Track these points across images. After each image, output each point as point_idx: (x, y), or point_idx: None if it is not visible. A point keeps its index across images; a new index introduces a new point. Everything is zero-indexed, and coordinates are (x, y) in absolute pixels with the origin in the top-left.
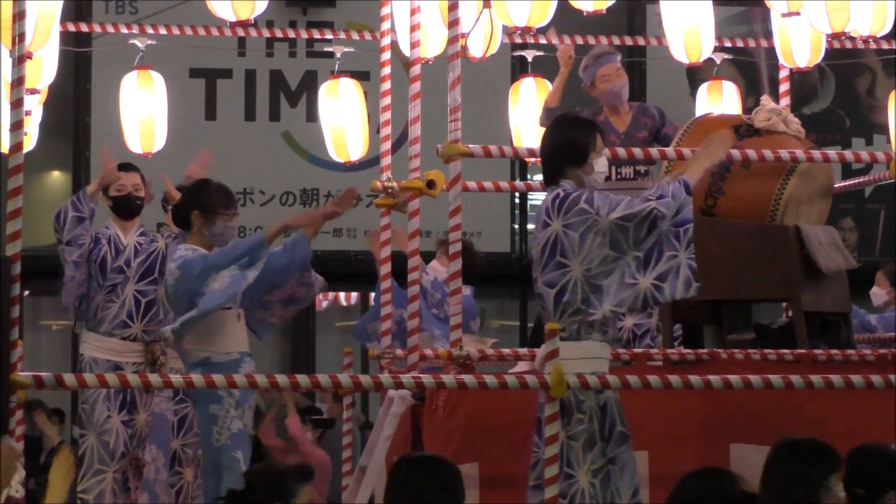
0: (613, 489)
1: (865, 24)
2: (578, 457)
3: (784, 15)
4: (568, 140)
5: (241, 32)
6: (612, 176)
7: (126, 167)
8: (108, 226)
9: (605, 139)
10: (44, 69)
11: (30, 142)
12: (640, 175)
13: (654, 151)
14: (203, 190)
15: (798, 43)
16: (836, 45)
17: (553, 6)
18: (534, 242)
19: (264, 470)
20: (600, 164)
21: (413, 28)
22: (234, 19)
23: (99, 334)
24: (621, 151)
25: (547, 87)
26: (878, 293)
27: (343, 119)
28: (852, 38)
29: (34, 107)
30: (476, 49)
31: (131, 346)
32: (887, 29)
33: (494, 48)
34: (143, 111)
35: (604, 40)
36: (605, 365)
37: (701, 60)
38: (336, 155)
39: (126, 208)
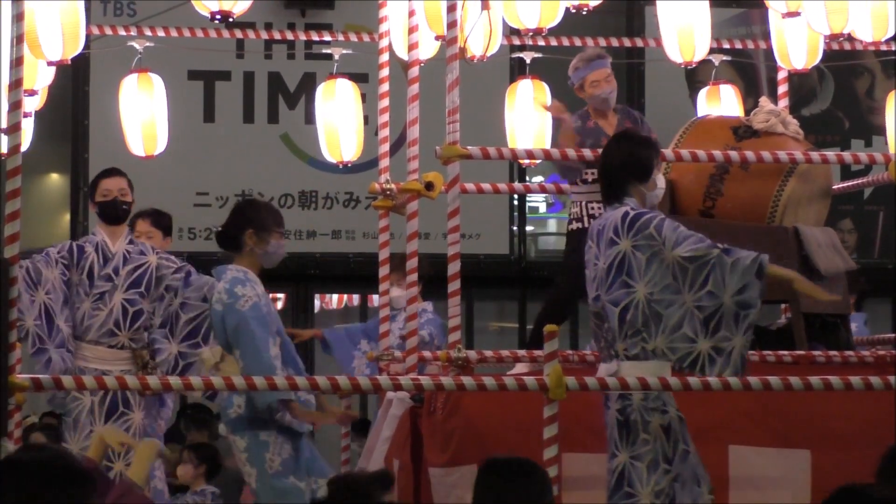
0: None
1: (867, 30)
2: (642, 477)
3: (785, 15)
4: (633, 157)
5: (239, 34)
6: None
7: (112, 172)
8: (94, 233)
9: (598, 144)
10: (40, 71)
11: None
12: None
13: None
14: (254, 209)
15: (795, 44)
16: (835, 46)
17: (562, 7)
18: (592, 259)
19: (346, 478)
20: (660, 180)
21: (411, 30)
22: (216, 9)
23: (86, 343)
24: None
25: (544, 88)
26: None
27: (338, 120)
28: (851, 40)
29: (33, 108)
30: (475, 50)
31: (119, 353)
32: (889, 34)
33: (494, 48)
34: (143, 114)
35: (602, 42)
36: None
37: (695, 61)
38: (329, 155)
39: (112, 213)
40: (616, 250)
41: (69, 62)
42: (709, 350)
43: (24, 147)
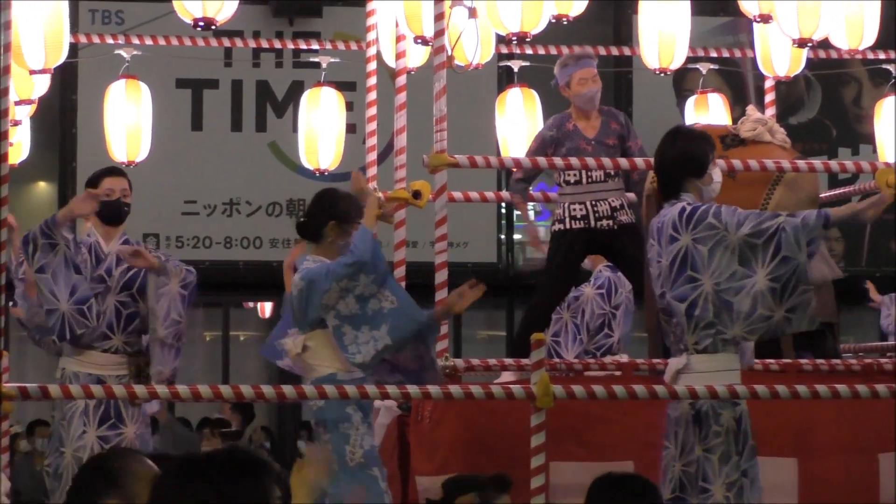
0: (746, 503)
1: (842, 37)
2: (714, 470)
3: (756, 18)
4: (688, 153)
5: (227, 43)
6: (582, 179)
7: (113, 171)
8: (89, 234)
9: (576, 147)
10: (36, 81)
11: (20, 152)
12: (610, 177)
13: (639, 161)
14: (336, 200)
15: (778, 51)
16: (822, 54)
17: (547, 12)
18: (654, 256)
19: (463, 479)
20: (717, 174)
21: (398, 38)
22: (199, 15)
23: (78, 347)
24: (607, 162)
25: (533, 97)
26: None
27: (319, 127)
28: (837, 49)
29: (25, 117)
30: (465, 59)
31: (113, 358)
32: (867, 41)
33: (487, 57)
34: (129, 119)
35: (590, 50)
36: (737, 376)
37: (671, 68)
38: (307, 162)
39: (114, 214)
40: (677, 246)
41: (52, 71)
42: (783, 315)
43: (24, 156)
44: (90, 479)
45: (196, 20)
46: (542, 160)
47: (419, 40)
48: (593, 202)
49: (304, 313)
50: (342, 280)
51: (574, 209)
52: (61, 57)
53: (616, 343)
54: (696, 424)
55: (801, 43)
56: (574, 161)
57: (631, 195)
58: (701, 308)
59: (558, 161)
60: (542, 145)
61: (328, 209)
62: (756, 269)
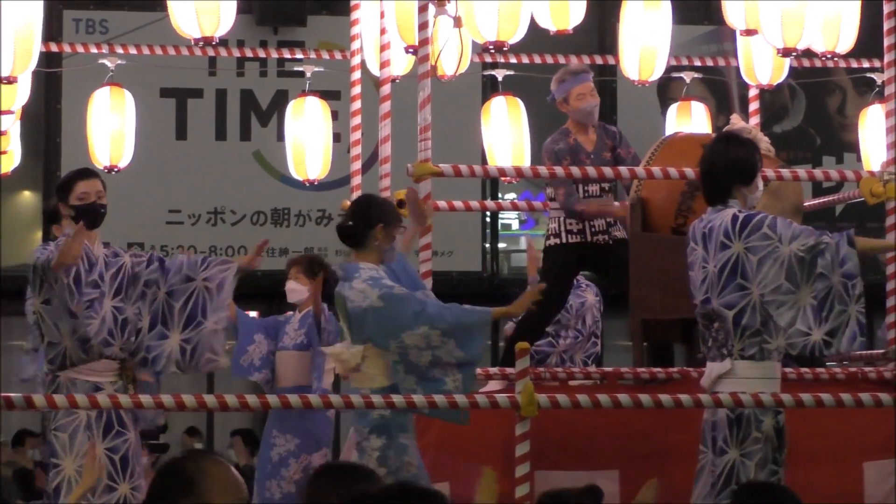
0: None
1: (820, 38)
2: (750, 475)
3: (743, 33)
4: (738, 159)
5: (211, 52)
6: (578, 194)
7: (86, 174)
8: (66, 234)
9: (577, 161)
10: (18, 90)
11: (12, 161)
12: (605, 192)
13: (623, 170)
14: (380, 206)
15: (761, 60)
16: (806, 63)
17: (525, 21)
18: (698, 261)
19: (558, 493)
20: (761, 182)
21: (383, 47)
22: (198, 35)
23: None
24: (607, 171)
25: (518, 105)
26: (297, 289)
27: (306, 137)
28: (821, 58)
29: (10, 126)
30: (447, 68)
31: (110, 364)
32: (845, 45)
33: (465, 66)
34: (112, 126)
35: (574, 59)
36: (778, 385)
37: (651, 80)
38: (296, 173)
39: (90, 217)
40: (728, 253)
41: (17, 80)
42: (822, 337)
43: (16, 163)
44: (167, 483)
45: (195, 41)
46: (542, 169)
47: (410, 50)
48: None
49: (369, 332)
50: (433, 328)
51: (570, 223)
52: (30, 66)
53: (599, 351)
54: (736, 427)
55: (786, 52)
56: (575, 171)
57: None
58: (749, 316)
59: (559, 170)
60: (556, 157)
61: (376, 213)
62: (801, 286)
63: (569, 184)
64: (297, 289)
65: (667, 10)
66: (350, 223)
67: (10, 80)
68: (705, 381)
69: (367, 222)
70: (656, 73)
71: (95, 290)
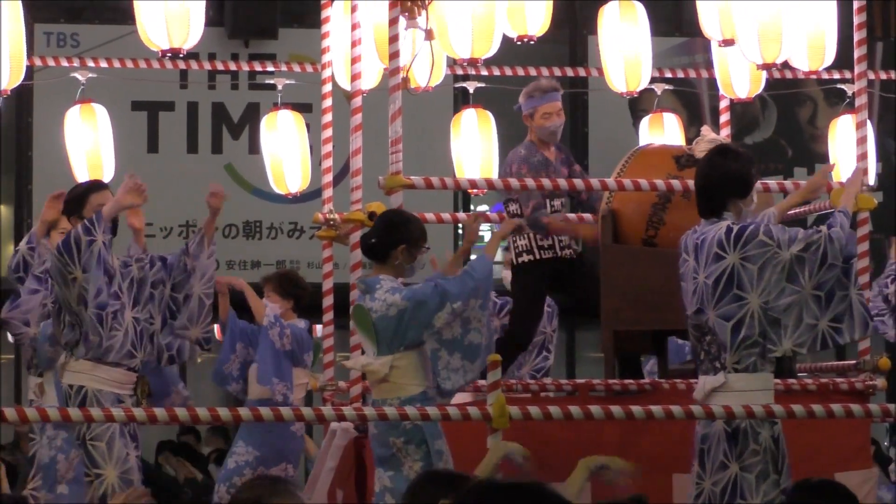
0: None
1: (803, 59)
2: (751, 488)
3: (721, 44)
4: (733, 173)
5: (182, 65)
6: (546, 209)
7: (98, 186)
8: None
9: (547, 175)
10: None
11: None
12: (565, 207)
13: (594, 182)
14: (408, 225)
15: (738, 74)
16: (777, 75)
17: (497, 37)
18: (689, 272)
19: None
20: (755, 195)
21: (353, 60)
22: (167, 46)
23: (106, 364)
24: (579, 183)
25: (489, 118)
26: (270, 306)
27: (282, 151)
28: (792, 69)
29: None
30: (419, 80)
31: (131, 376)
32: (827, 63)
33: (438, 79)
34: (87, 144)
35: (546, 71)
36: (772, 396)
37: (638, 90)
38: (276, 187)
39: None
40: (723, 265)
41: (9, 93)
42: (828, 324)
43: None
44: None
45: (164, 52)
46: (513, 181)
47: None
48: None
49: (403, 335)
50: (457, 302)
51: (540, 239)
52: (20, 78)
53: (551, 366)
54: (732, 442)
55: (765, 67)
56: (546, 182)
57: (587, 215)
58: (747, 326)
59: (530, 182)
60: (538, 168)
61: (401, 233)
62: (803, 283)
63: (539, 196)
64: (269, 306)
65: (644, 20)
66: (373, 240)
67: (2, 94)
68: (698, 395)
69: (390, 241)
70: (641, 83)
71: (117, 301)
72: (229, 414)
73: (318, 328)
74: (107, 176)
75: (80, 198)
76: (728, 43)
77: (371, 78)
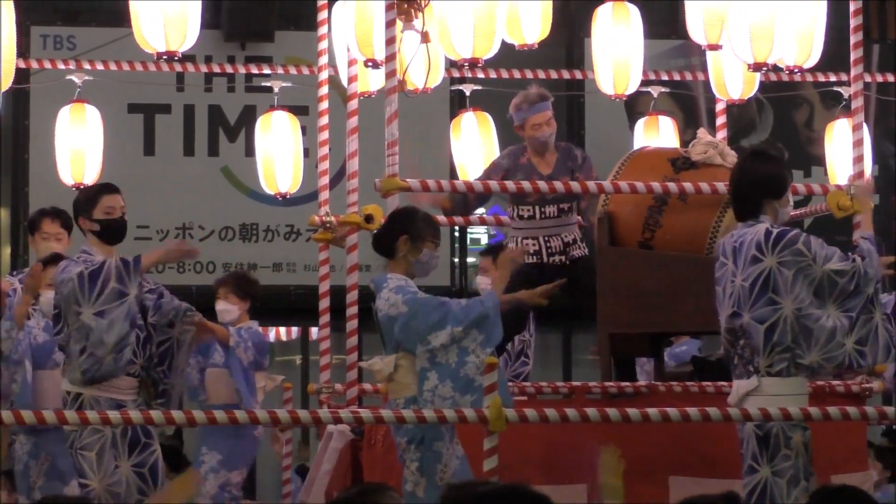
0: None
1: (791, 53)
2: (783, 493)
3: (706, 48)
4: (768, 175)
5: (179, 67)
6: (535, 215)
7: (109, 188)
8: (90, 252)
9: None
10: None
11: None
12: (563, 213)
13: (591, 184)
14: (411, 217)
15: (731, 75)
16: (773, 77)
17: (498, 38)
18: (727, 276)
19: (692, 502)
20: (791, 196)
21: (350, 62)
22: (163, 49)
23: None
24: (574, 185)
25: (488, 120)
26: (228, 308)
27: (275, 152)
28: (789, 72)
29: None
30: (416, 82)
31: (131, 382)
32: (814, 60)
33: (436, 81)
34: (76, 144)
35: (542, 74)
36: (806, 400)
37: (626, 94)
38: (267, 187)
39: (117, 232)
40: (760, 267)
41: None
42: (853, 346)
43: None
44: None
45: (160, 54)
46: (493, 184)
47: (370, 63)
48: (546, 238)
49: (394, 338)
50: (458, 326)
51: (527, 244)
52: (10, 81)
53: (531, 370)
54: (763, 446)
55: (756, 67)
56: (526, 185)
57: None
58: (780, 332)
59: (510, 185)
60: (491, 171)
61: (402, 225)
62: (826, 304)
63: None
64: (227, 308)
65: (637, 23)
66: (378, 232)
67: None
68: (732, 399)
69: (391, 233)
70: (631, 87)
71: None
72: (225, 417)
73: (314, 330)
74: (90, 178)
75: (90, 199)
76: (714, 47)
77: (370, 80)
